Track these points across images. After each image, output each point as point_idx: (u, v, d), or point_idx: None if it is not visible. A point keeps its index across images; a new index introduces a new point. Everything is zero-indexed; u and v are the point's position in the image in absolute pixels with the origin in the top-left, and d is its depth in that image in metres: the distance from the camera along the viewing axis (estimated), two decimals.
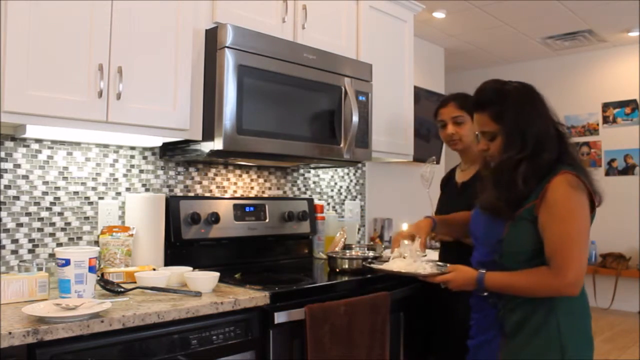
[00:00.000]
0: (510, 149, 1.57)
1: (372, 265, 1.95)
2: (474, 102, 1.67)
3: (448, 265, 1.72)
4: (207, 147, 2.01)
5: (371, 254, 2.43)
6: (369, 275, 2.19)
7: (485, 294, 1.62)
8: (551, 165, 1.55)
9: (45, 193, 1.96)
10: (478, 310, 1.71)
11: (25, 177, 1.92)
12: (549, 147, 1.57)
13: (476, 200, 1.69)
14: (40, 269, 1.76)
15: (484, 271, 1.59)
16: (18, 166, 1.91)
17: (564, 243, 1.47)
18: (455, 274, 1.64)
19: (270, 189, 2.72)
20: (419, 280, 1.77)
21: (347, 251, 2.49)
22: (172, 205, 2.19)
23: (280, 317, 1.78)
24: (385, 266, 1.83)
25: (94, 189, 2.09)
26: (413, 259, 1.78)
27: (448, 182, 2.33)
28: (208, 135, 2.01)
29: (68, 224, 2.02)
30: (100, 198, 2.11)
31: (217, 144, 1.96)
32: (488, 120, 1.62)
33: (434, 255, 2.26)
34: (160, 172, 2.31)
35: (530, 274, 1.53)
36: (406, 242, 1.84)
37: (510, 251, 1.56)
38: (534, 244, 1.53)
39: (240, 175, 2.59)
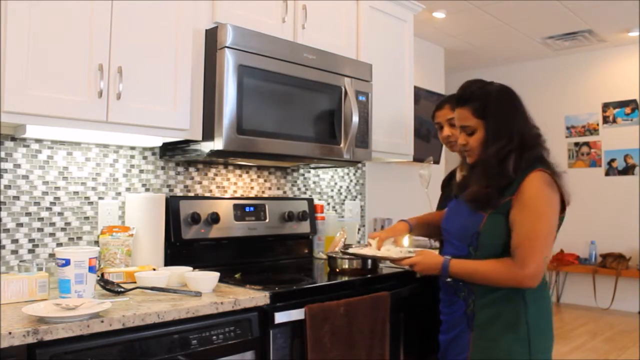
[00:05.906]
0: (496, 142, 1.63)
1: (348, 250, 2.10)
2: (457, 98, 1.74)
3: (417, 250, 1.85)
4: (207, 147, 2.01)
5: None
6: (369, 275, 2.19)
7: (449, 280, 1.69)
8: (532, 162, 1.61)
9: (45, 193, 1.96)
10: (448, 305, 1.76)
11: (25, 177, 1.92)
12: (533, 143, 1.65)
13: (463, 193, 1.73)
14: (40, 269, 1.76)
15: (449, 257, 1.67)
16: (18, 166, 1.91)
17: (530, 237, 1.55)
18: (421, 257, 1.74)
19: (270, 189, 2.72)
20: (391, 265, 1.96)
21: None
22: (172, 205, 2.19)
23: (280, 317, 1.78)
24: (357, 251, 2.02)
25: (94, 189, 2.09)
26: (386, 248, 1.92)
27: (449, 182, 2.36)
28: (208, 135, 2.01)
29: (68, 224, 2.02)
30: (100, 198, 2.11)
31: (217, 144, 1.97)
32: (469, 115, 1.69)
33: None
34: (160, 172, 2.31)
35: (494, 263, 1.60)
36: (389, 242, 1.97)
37: (486, 243, 1.62)
38: (507, 237, 1.60)
39: (240, 175, 2.59)
